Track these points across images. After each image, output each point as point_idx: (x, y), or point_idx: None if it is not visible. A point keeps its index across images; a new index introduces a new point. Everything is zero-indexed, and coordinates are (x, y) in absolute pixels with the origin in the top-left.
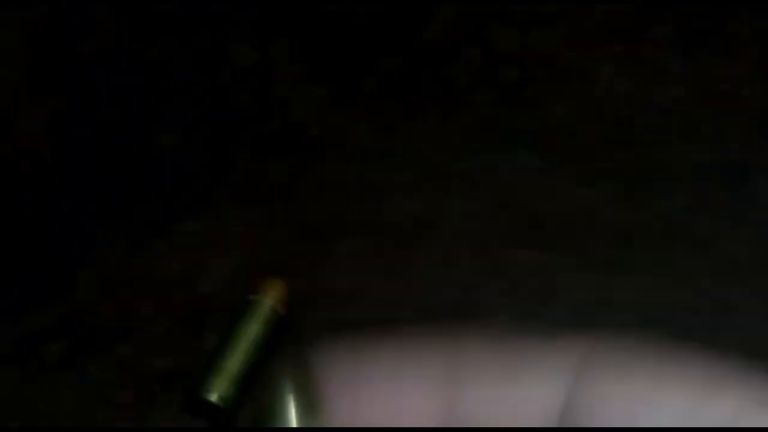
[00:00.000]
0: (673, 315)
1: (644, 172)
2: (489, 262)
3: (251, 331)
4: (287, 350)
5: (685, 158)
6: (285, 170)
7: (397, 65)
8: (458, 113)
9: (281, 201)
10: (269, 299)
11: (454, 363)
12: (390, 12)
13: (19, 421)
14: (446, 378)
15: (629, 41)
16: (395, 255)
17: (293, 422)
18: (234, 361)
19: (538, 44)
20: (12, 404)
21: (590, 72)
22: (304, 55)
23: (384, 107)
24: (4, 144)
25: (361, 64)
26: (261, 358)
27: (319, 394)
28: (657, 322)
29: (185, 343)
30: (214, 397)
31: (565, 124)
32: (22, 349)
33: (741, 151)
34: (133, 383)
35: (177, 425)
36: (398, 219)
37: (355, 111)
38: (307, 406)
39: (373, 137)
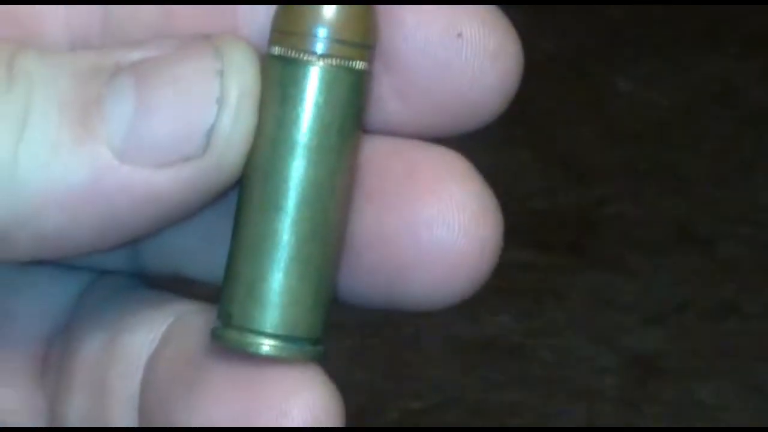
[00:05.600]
0: (673, 315)
1: (644, 172)
2: None
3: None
4: None
5: (685, 158)
6: None
7: None
8: None
9: None
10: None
11: None
12: None
13: None
14: None
15: (630, 41)
16: None
17: None
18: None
19: (538, 45)
20: None
21: (591, 72)
22: None
23: None
24: None
25: None
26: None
27: None
28: (657, 322)
29: None
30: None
31: (565, 125)
32: None
33: (741, 151)
34: None
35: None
36: None
37: None
38: None
39: None
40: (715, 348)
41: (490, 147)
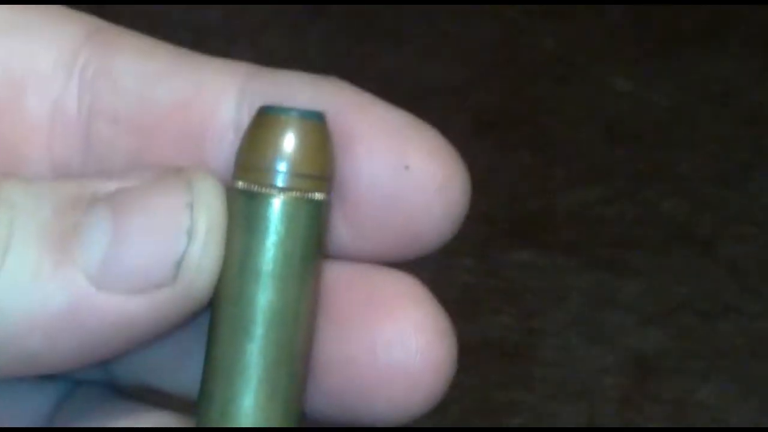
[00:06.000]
0: (673, 315)
1: (644, 172)
2: (489, 262)
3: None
4: None
5: (685, 158)
6: None
7: (397, 64)
8: (458, 113)
9: None
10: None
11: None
12: (390, 11)
13: None
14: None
15: (630, 41)
16: None
17: None
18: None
19: (538, 44)
20: None
21: (591, 72)
22: (305, 54)
23: None
24: None
25: (360, 62)
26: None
27: None
28: (657, 322)
29: None
30: None
31: (565, 125)
32: None
33: (741, 151)
34: None
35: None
36: None
37: None
38: None
39: None
40: (715, 348)
41: (491, 147)
